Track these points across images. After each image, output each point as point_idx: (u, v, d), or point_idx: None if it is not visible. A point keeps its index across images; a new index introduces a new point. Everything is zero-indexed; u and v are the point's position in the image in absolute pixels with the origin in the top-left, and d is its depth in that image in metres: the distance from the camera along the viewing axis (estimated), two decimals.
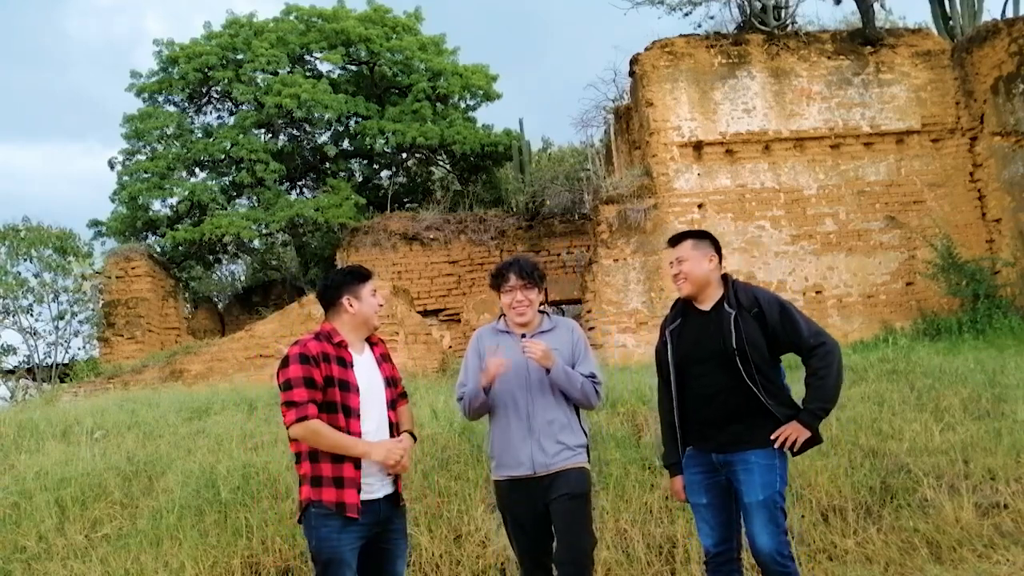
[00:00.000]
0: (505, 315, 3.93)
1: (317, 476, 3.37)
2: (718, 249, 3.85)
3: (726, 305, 3.69)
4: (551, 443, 3.71)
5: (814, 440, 3.64)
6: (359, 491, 3.38)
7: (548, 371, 3.71)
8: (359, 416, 3.43)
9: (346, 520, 3.35)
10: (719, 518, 3.70)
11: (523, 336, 3.77)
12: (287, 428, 3.38)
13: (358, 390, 3.45)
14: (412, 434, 3.63)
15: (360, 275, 3.61)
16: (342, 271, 3.68)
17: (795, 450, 3.60)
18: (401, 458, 3.46)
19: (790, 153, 12.53)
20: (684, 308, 3.84)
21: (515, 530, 3.78)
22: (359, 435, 3.42)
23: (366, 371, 3.53)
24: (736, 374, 3.57)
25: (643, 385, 7.17)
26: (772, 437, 3.55)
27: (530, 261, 3.98)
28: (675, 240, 3.88)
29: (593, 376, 3.82)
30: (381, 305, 3.65)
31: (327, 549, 3.33)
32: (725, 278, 3.83)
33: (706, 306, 3.76)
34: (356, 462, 3.39)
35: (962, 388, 7.08)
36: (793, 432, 3.55)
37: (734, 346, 3.58)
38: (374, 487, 3.44)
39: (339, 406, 3.39)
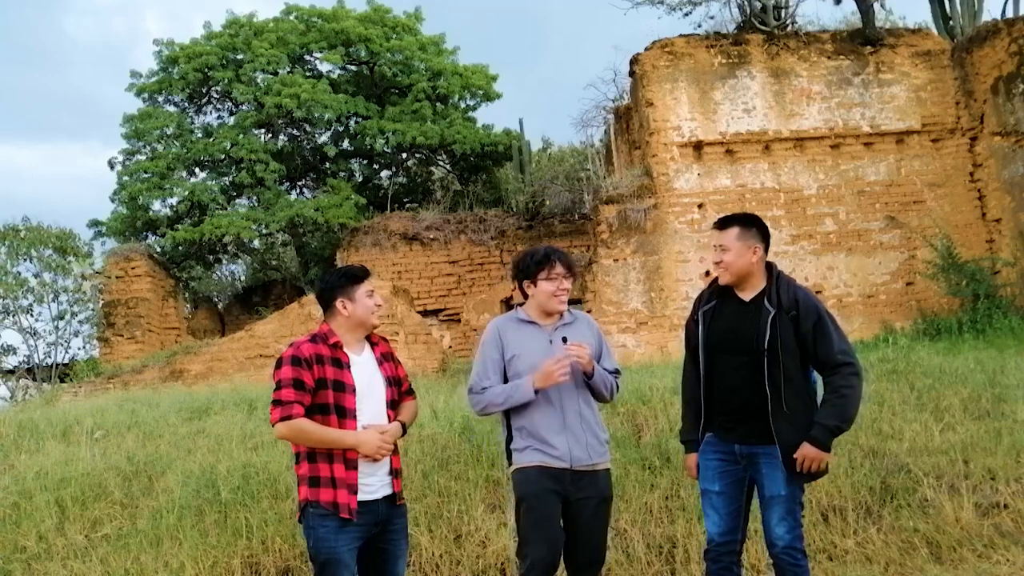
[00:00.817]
0: (526, 304, 3.80)
1: (315, 476, 3.37)
2: (766, 237, 3.69)
3: (767, 302, 3.57)
4: (588, 438, 3.64)
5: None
6: (353, 492, 3.36)
7: (589, 376, 3.63)
8: (355, 416, 3.41)
9: (343, 520, 3.34)
10: (728, 508, 3.63)
11: (564, 340, 3.64)
12: (272, 427, 3.37)
13: (355, 390, 3.43)
14: (404, 426, 3.55)
15: (354, 276, 3.55)
16: (336, 273, 3.63)
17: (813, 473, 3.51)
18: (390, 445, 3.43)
19: (790, 153, 12.53)
20: (722, 291, 3.73)
21: (539, 519, 3.53)
22: None
23: (365, 371, 3.50)
24: (762, 373, 3.50)
25: (643, 385, 7.17)
26: (795, 456, 3.46)
27: (568, 253, 3.89)
28: (722, 224, 3.74)
29: (617, 372, 3.80)
30: (379, 305, 3.59)
31: (325, 549, 3.33)
32: (770, 269, 3.69)
33: (746, 296, 3.66)
34: (349, 463, 3.37)
35: (962, 388, 7.07)
36: (811, 458, 3.46)
37: (766, 347, 3.50)
38: (373, 487, 3.43)
39: (332, 407, 3.37)
